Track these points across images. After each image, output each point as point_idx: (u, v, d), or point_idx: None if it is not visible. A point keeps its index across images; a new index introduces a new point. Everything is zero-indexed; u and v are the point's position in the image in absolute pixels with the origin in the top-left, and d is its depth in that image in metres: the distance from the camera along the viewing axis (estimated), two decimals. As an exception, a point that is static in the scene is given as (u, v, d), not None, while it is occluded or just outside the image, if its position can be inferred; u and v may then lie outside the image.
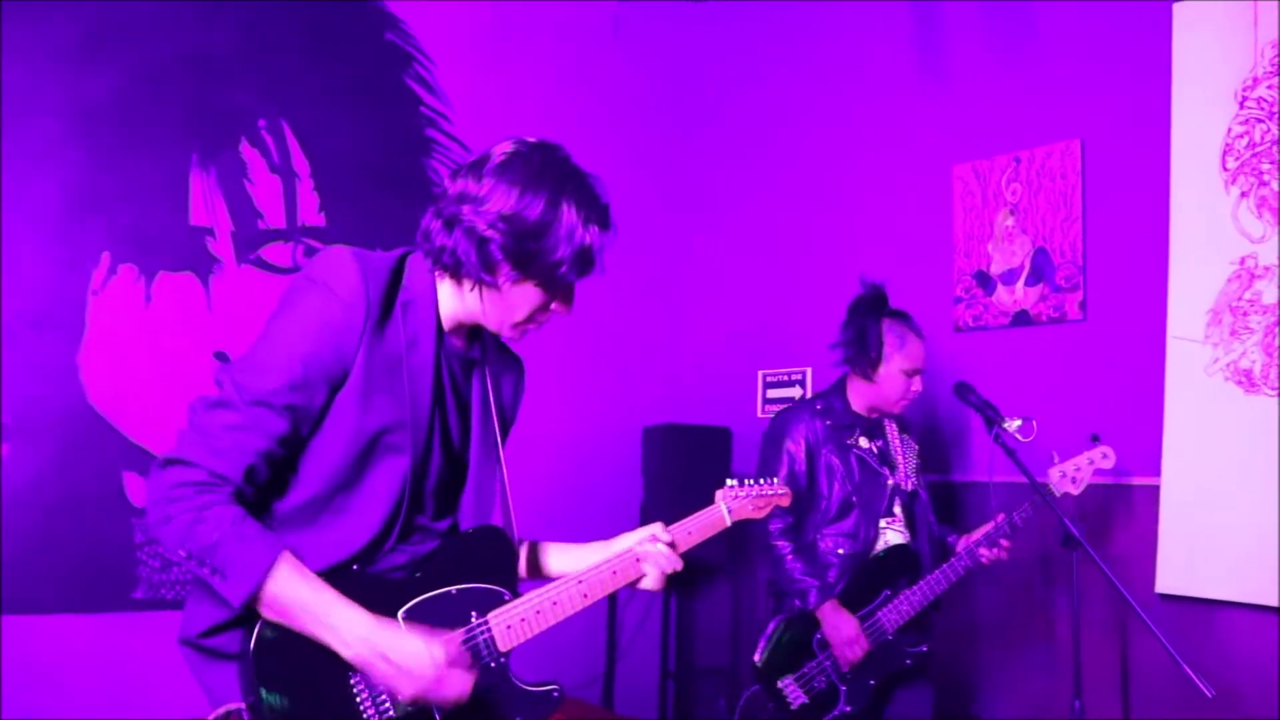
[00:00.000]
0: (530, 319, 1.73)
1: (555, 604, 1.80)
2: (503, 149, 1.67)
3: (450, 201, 1.65)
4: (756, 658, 2.98)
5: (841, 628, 2.93)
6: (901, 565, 3.07)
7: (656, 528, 1.92)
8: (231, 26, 3.94)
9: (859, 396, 3.18)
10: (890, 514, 3.13)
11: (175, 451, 1.56)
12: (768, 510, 2.11)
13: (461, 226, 1.63)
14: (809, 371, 4.51)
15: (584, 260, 1.67)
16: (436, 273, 1.70)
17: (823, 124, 4.57)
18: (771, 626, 3.02)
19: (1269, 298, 3.02)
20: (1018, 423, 2.89)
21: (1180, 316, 3.21)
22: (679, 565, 1.91)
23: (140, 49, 3.75)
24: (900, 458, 3.21)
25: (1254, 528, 2.98)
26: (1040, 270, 3.66)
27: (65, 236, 3.61)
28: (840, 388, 3.22)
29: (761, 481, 2.11)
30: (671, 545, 1.92)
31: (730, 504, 2.05)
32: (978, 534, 3.02)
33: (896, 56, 4.27)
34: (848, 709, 2.95)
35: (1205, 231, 3.16)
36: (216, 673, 1.61)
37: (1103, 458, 3.00)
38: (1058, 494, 2.97)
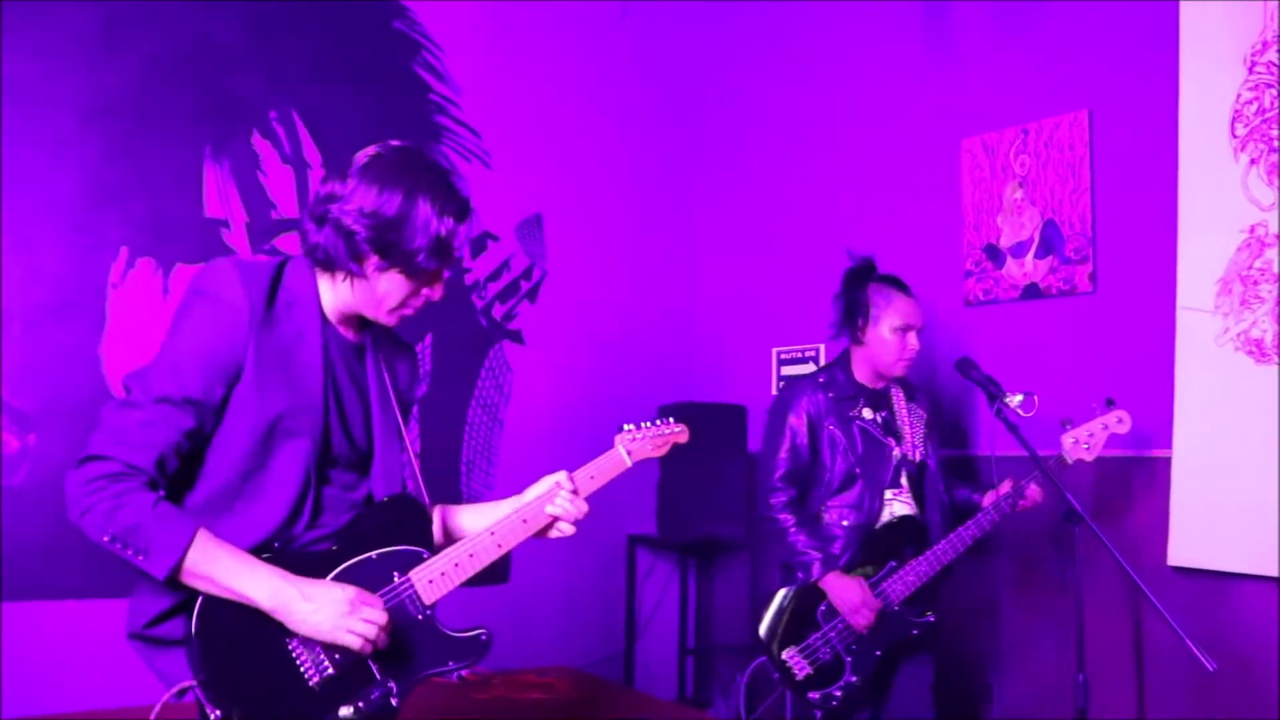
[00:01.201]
0: (403, 304, 1.87)
1: (472, 555, 1.93)
2: (366, 153, 1.84)
3: (320, 201, 1.82)
4: (761, 630, 3.00)
5: (848, 595, 2.94)
6: (908, 536, 3.06)
7: (560, 476, 2.03)
8: (241, 18, 3.99)
9: (860, 366, 3.18)
10: (896, 485, 3.12)
11: (88, 449, 1.69)
12: (667, 448, 2.17)
13: (330, 222, 1.79)
14: (822, 348, 4.51)
15: (440, 248, 1.81)
16: (315, 270, 1.86)
17: (833, 100, 4.55)
18: (776, 599, 3.04)
19: None
20: (1019, 398, 2.88)
21: (1190, 287, 3.17)
22: (584, 510, 2.02)
23: (153, 42, 3.82)
24: (907, 428, 3.19)
25: (1266, 499, 2.95)
26: (1050, 242, 3.63)
27: (84, 228, 3.69)
28: (843, 360, 3.23)
29: (658, 422, 2.17)
30: (575, 492, 2.02)
31: (629, 446, 2.12)
32: (1004, 488, 2.99)
33: (905, 30, 4.24)
34: (853, 679, 2.96)
35: (1214, 200, 3.12)
36: (166, 659, 1.75)
37: (1118, 422, 2.96)
38: (1070, 460, 2.94)
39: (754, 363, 4.83)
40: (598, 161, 4.88)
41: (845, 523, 3.07)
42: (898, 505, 3.11)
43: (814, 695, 2.96)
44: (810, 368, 4.56)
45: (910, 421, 3.20)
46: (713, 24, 5.17)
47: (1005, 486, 3.00)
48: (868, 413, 3.15)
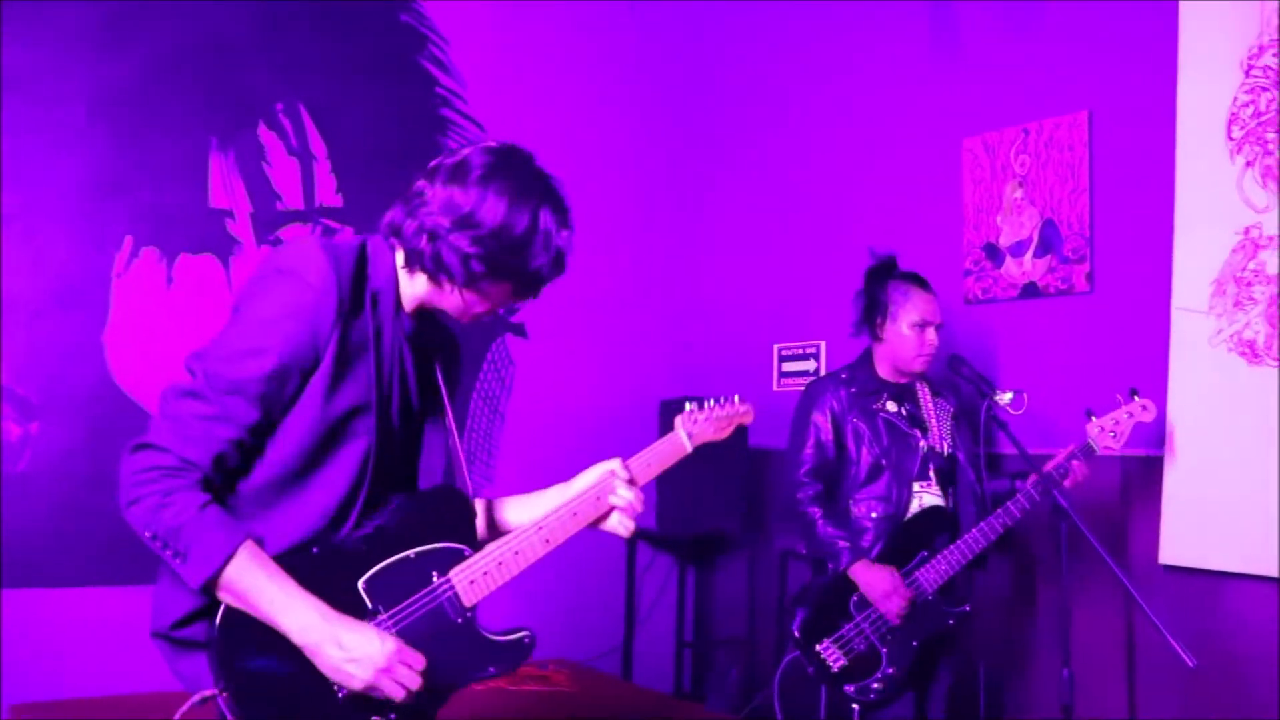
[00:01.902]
0: (491, 312, 1.81)
1: (518, 553, 1.80)
2: (482, 160, 1.71)
3: (431, 210, 1.69)
4: (794, 623, 2.98)
5: (878, 582, 2.93)
6: (938, 525, 3.05)
7: (615, 464, 1.88)
8: (248, 10, 4.02)
9: (882, 362, 3.19)
10: (924, 477, 3.12)
11: (146, 437, 1.60)
12: (730, 430, 2.01)
13: (444, 241, 1.68)
14: (823, 345, 4.53)
15: (559, 263, 1.74)
16: (395, 257, 1.75)
17: (835, 98, 4.56)
18: (807, 592, 3.04)
19: (1273, 268, 2.99)
20: (1009, 395, 2.90)
21: (1185, 287, 3.19)
22: (641, 501, 1.87)
23: (159, 33, 3.85)
24: (933, 420, 3.18)
25: (1258, 499, 2.97)
26: (1048, 242, 3.64)
27: (89, 218, 3.72)
28: (866, 357, 3.24)
29: (721, 400, 1.99)
30: (631, 482, 1.88)
31: (690, 428, 1.95)
32: (1019, 495, 2.96)
33: (908, 30, 4.25)
34: (891, 670, 2.94)
35: (1210, 202, 3.13)
36: (189, 662, 1.66)
37: (1143, 410, 2.96)
38: (1098, 449, 2.94)
39: (755, 358, 4.85)
40: (602, 156, 4.90)
41: (874, 514, 3.06)
42: (927, 497, 3.10)
43: (850, 688, 2.94)
44: (811, 364, 4.58)
45: (936, 415, 3.20)
46: (718, 22, 5.19)
47: (1048, 466, 2.94)
48: (892, 405, 3.15)
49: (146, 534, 1.57)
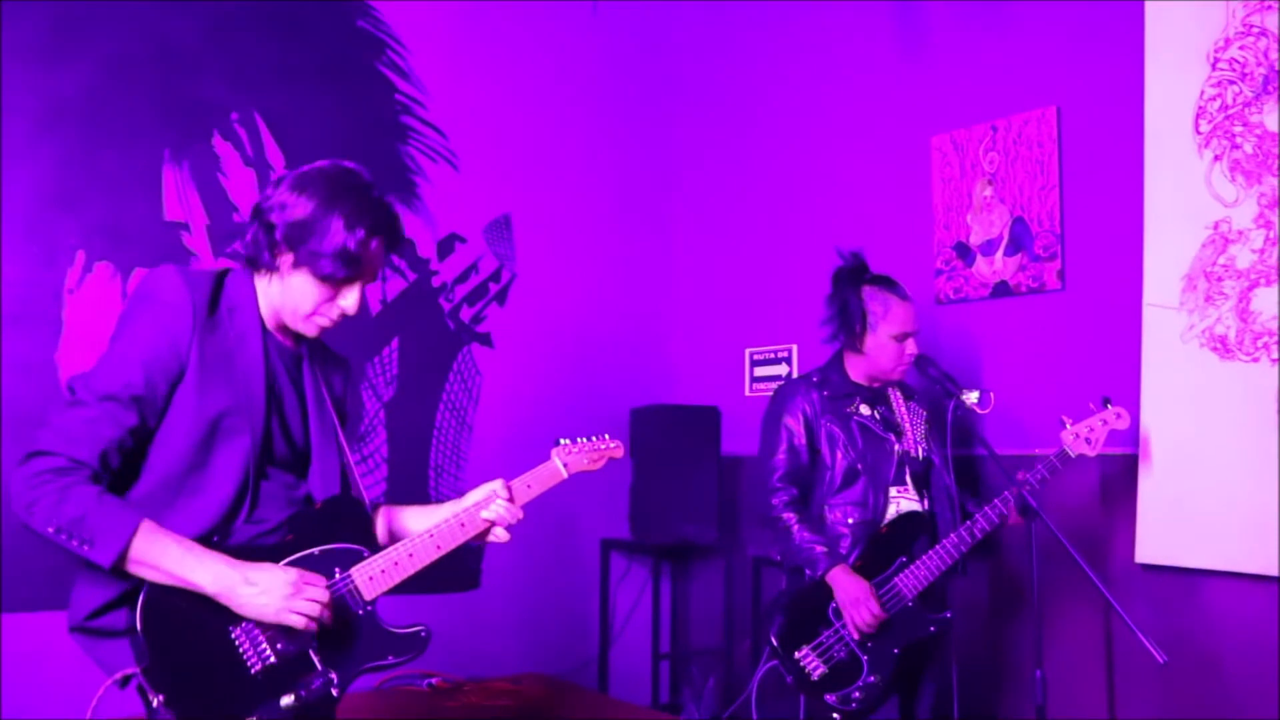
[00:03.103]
0: (316, 310, 1.95)
1: (411, 555, 2.01)
2: (305, 166, 1.97)
3: (257, 208, 1.96)
4: (772, 632, 2.90)
5: (851, 589, 2.86)
6: (916, 530, 2.99)
7: (497, 484, 2.13)
8: (200, 17, 3.93)
9: (856, 367, 3.12)
10: (901, 482, 3.05)
11: (33, 446, 1.75)
12: (602, 463, 2.30)
13: (258, 218, 1.94)
14: (795, 348, 4.49)
15: (346, 258, 1.90)
16: (254, 279, 1.96)
17: (801, 98, 4.53)
18: (785, 599, 2.98)
19: (1242, 262, 2.97)
20: (975, 395, 2.85)
21: (1156, 283, 3.16)
22: (519, 516, 2.13)
23: (108, 42, 3.74)
24: (907, 424, 3.12)
25: (1232, 495, 2.95)
26: (1019, 240, 3.62)
27: (39, 233, 3.61)
28: (837, 360, 3.16)
29: (594, 438, 2.29)
30: (511, 499, 2.13)
31: (565, 459, 2.25)
32: (995, 500, 2.92)
33: (874, 28, 4.22)
34: (872, 679, 2.87)
35: (1179, 197, 3.12)
36: (107, 648, 1.81)
37: (1116, 418, 2.93)
38: (1073, 455, 2.90)
39: (727, 364, 4.81)
40: (567, 161, 4.84)
41: (850, 520, 3.00)
42: (904, 502, 3.04)
43: (831, 697, 2.86)
44: (783, 368, 4.54)
45: (910, 418, 3.14)
46: (683, 25, 5.15)
47: (1022, 475, 2.91)
48: (865, 409, 3.08)
49: (50, 529, 1.70)
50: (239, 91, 4.01)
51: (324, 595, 1.85)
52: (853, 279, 3.09)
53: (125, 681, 1.80)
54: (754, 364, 4.69)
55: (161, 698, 1.73)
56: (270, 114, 4.06)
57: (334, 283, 1.93)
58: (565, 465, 2.25)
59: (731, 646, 4.48)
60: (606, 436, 2.32)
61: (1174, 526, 3.09)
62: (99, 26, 3.72)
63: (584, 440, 2.29)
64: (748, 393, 4.69)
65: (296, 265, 1.91)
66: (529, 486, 2.19)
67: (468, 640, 4.23)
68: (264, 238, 1.92)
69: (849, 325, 3.05)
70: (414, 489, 4.29)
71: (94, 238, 3.70)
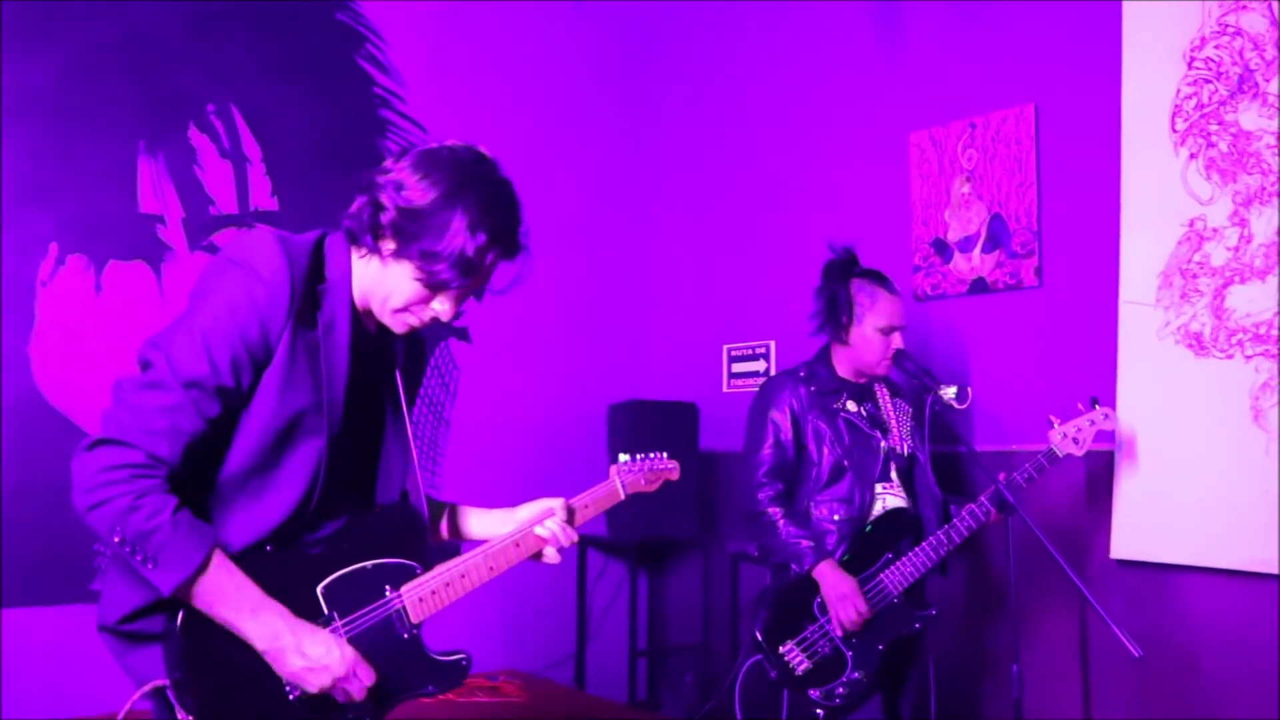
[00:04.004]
0: (407, 309, 1.74)
1: (463, 576, 1.89)
2: (438, 142, 1.75)
3: (373, 177, 1.72)
4: (755, 626, 2.89)
5: (837, 584, 2.85)
6: (902, 528, 2.99)
7: (557, 502, 2.00)
8: (175, 7, 3.88)
9: (842, 362, 3.11)
10: (886, 479, 3.04)
11: (107, 432, 1.56)
12: (658, 484, 2.18)
13: (367, 192, 1.71)
14: (773, 344, 4.49)
15: (462, 263, 1.68)
16: (352, 250, 1.75)
17: (780, 96, 4.53)
18: (770, 593, 2.97)
19: (1217, 260, 3.00)
20: (953, 390, 2.87)
21: (1132, 281, 3.19)
22: (574, 539, 2.01)
23: (81, 32, 3.70)
24: (893, 421, 3.12)
25: (1207, 491, 2.97)
26: (996, 237, 3.63)
27: (12, 225, 3.57)
28: (824, 355, 3.15)
29: (652, 456, 2.18)
30: (570, 520, 2.01)
31: (624, 479, 2.12)
32: (980, 497, 2.92)
33: (853, 25, 4.23)
34: (856, 675, 2.86)
35: (1155, 194, 3.14)
36: (139, 656, 1.67)
37: (1104, 418, 2.95)
38: (1060, 454, 2.91)
39: (705, 360, 4.80)
40: (546, 157, 4.82)
41: (836, 517, 2.99)
42: (890, 499, 3.04)
43: (815, 693, 2.86)
44: (761, 364, 4.54)
45: (896, 415, 3.14)
46: (662, 21, 5.14)
47: (982, 496, 2.92)
48: (851, 405, 3.08)
49: (114, 538, 1.55)
50: (215, 83, 3.97)
51: (370, 679, 1.70)
52: (842, 272, 3.09)
53: (157, 693, 1.66)
54: (732, 360, 4.69)
55: (190, 718, 1.61)
56: (247, 106, 4.03)
57: (438, 285, 1.70)
58: (624, 485, 2.11)
59: (709, 642, 4.48)
60: (665, 455, 2.20)
61: (1149, 522, 3.11)
62: (72, 15, 3.68)
63: (643, 458, 2.16)
64: (725, 389, 4.69)
65: (398, 256, 1.69)
66: (587, 506, 2.05)
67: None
68: (369, 216, 1.69)
69: (836, 317, 3.05)
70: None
71: (67, 230, 3.66)
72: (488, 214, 1.70)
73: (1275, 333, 2.87)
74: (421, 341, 2.02)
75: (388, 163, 1.72)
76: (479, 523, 2.05)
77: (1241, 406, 2.92)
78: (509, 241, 1.75)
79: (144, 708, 1.72)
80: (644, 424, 4.43)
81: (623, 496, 2.11)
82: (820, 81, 4.35)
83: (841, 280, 3.07)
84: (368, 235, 1.69)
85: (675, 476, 2.20)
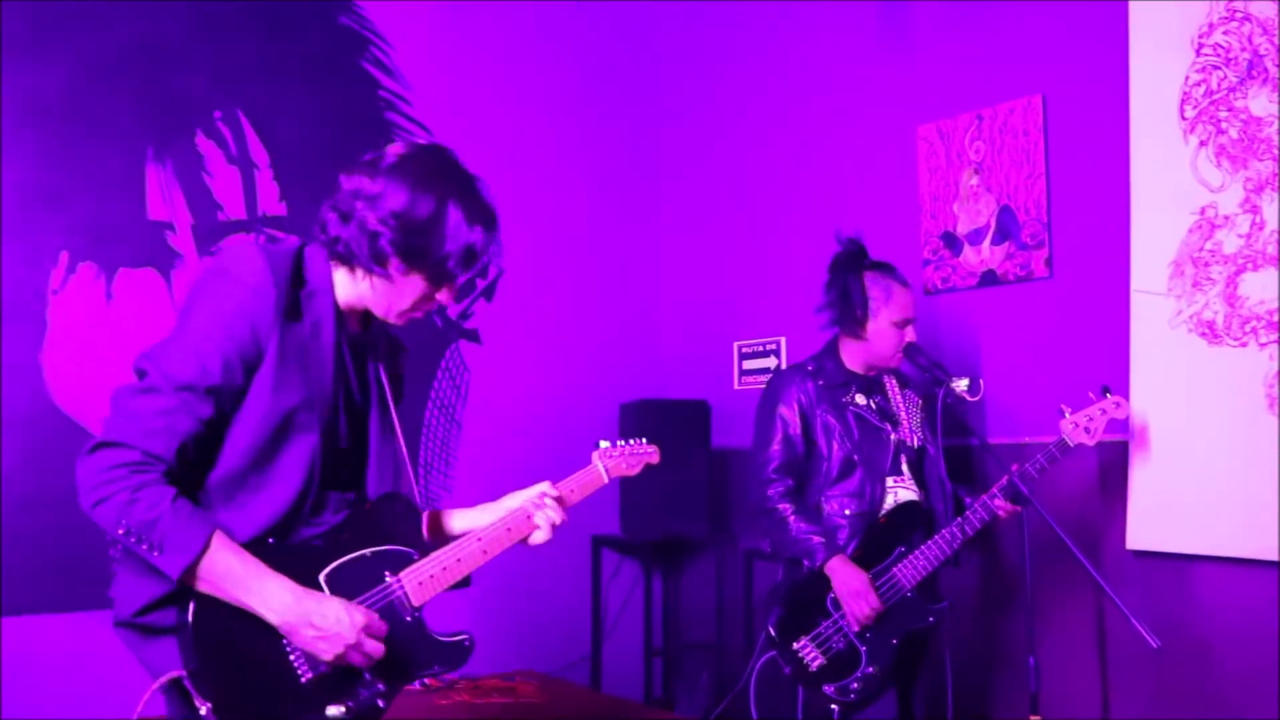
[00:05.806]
0: (414, 307, 1.88)
1: (459, 560, 1.96)
2: (396, 150, 1.83)
3: (345, 197, 1.80)
4: (770, 623, 2.87)
5: (850, 580, 2.84)
6: (914, 521, 2.97)
7: (545, 486, 2.08)
8: (182, 14, 3.89)
9: (852, 356, 3.09)
10: (897, 472, 3.02)
11: (105, 436, 1.66)
12: (640, 468, 2.26)
13: (356, 220, 1.78)
14: (783, 341, 4.48)
15: (468, 257, 1.82)
16: (332, 262, 1.84)
17: (787, 90, 4.52)
18: (783, 590, 2.95)
19: (1229, 247, 2.98)
20: (965, 382, 2.85)
21: (1143, 270, 3.17)
22: (565, 518, 2.07)
23: (89, 39, 3.71)
24: (903, 413, 3.09)
25: (1222, 480, 2.96)
26: (1006, 229, 3.62)
27: (22, 233, 3.58)
28: (832, 348, 3.12)
29: (632, 442, 2.26)
30: (559, 501, 2.07)
31: (606, 463, 2.20)
32: (994, 489, 2.90)
33: (859, 18, 4.22)
34: (871, 670, 2.85)
35: (1165, 183, 3.12)
36: (155, 648, 1.72)
37: (1115, 407, 2.93)
38: (1072, 444, 2.89)
39: (715, 357, 4.80)
40: (553, 157, 4.82)
41: (847, 512, 2.97)
42: (902, 492, 3.01)
43: (829, 688, 2.85)
44: (772, 361, 4.53)
45: (905, 407, 3.11)
46: (668, 19, 5.14)
47: (994, 488, 2.90)
48: (861, 399, 3.05)
49: (119, 530, 1.62)
50: (222, 89, 3.98)
51: (381, 647, 1.77)
52: (852, 264, 3.06)
53: (174, 684, 1.70)
54: (742, 357, 4.69)
55: (209, 705, 1.65)
56: (253, 111, 4.04)
57: (449, 282, 1.85)
58: (607, 469, 2.19)
59: (723, 640, 4.47)
60: (644, 440, 2.28)
61: (1164, 512, 3.09)
62: (80, 23, 3.69)
63: (623, 444, 2.24)
64: (736, 386, 4.68)
65: (408, 269, 1.80)
66: (573, 490, 2.13)
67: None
68: (366, 245, 1.77)
69: (850, 311, 3.01)
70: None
71: (77, 237, 3.67)
72: (474, 204, 1.82)
73: (1289, 320, 2.85)
74: (400, 340, 2.12)
75: (360, 182, 1.79)
76: (461, 520, 2.09)
77: (1256, 395, 2.90)
78: (493, 220, 1.86)
79: (153, 712, 1.76)
80: (655, 422, 4.42)
81: (606, 480, 2.19)
82: (827, 76, 4.34)
83: (853, 273, 3.04)
84: (370, 264, 1.78)
85: (656, 460, 2.29)
